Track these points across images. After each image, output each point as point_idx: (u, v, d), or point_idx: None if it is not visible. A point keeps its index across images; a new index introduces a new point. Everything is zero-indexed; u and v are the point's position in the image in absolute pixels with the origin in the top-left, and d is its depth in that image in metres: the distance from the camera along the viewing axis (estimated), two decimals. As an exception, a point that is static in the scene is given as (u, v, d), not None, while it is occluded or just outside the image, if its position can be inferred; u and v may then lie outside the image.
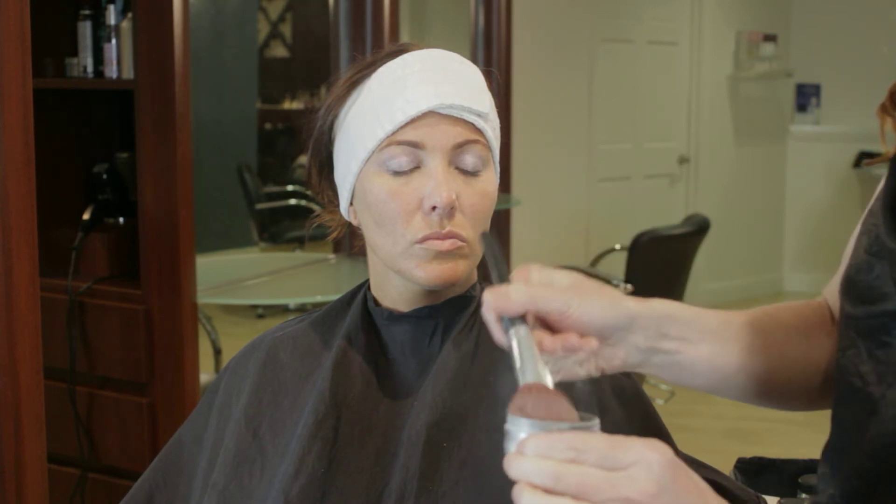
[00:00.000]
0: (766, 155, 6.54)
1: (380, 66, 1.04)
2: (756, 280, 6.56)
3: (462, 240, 1.00)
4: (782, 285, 6.72)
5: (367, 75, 1.05)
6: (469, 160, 1.01)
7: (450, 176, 1.00)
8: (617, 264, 3.97)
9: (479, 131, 1.02)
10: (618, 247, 4.22)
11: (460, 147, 1.01)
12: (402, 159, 1.00)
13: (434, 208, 0.98)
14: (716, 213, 5.17)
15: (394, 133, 1.00)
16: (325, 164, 1.10)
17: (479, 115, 1.02)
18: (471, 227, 1.01)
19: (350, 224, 1.11)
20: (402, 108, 1.00)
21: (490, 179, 1.04)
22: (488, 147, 1.04)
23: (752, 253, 6.52)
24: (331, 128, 1.08)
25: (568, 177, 5.24)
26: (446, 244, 0.99)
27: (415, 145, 1.00)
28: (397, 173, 1.00)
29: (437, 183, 0.98)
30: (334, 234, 1.16)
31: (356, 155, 1.03)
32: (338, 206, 1.11)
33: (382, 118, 1.00)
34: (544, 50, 4.86)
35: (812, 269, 6.66)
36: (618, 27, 5.61)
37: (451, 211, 0.99)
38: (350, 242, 3.18)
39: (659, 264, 3.63)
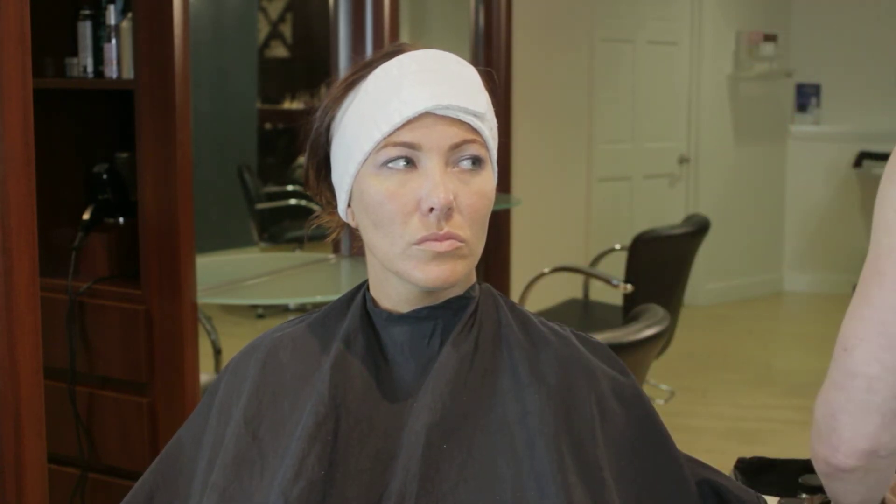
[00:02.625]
0: (766, 155, 6.54)
1: (376, 67, 1.04)
2: (756, 280, 6.56)
3: (460, 240, 1.00)
4: (782, 285, 6.73)
5: (364, 76, 1.05)
6: (466, 160, 1.01)
7: (447, 177, 1.00)
8: (617, 264, 3.97)
9: (475, 131, 1.02)
10: (618, 247, 4.22)
11: (457, 147, 1.00)
12: (398, 161, 1.00)
13: (431, 209, 0.98)
14: (716, 213, 5.17)
15: (390, 134, 1.00)
16: (323, 166, 1.10)
17: (475, 115, 1.01)
18: (469, 228, 1.01)
19: (349, 225, 1.11)
20: (399, 109, 0.99)
21: (488, 179, 1.04)
22: (485, 147, 1.03)
23: (752, 253, 6.52)
24: (328, 129, 1.08)
25: (568, 177, 5.24)
26: (444, 245, 0.99)
27: (411, 146, 1.00)
28: (394, 175, 1.00)
29: (434, 184, 0.98)
30: (333, 236, 1.16)
31: (353, 157, 1.03)
32: (336, 207, 1.11)
33: (379, 119, 1.00)
34: (544, 50, 4.86)
35: (812, 269, 6.66)
36: (618, 27, 5.61)
37: (448, 212, 0.99)
38: (350, 243, 3.18)
39: (659, 264, 3.62)
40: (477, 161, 1.02)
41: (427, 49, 1.06)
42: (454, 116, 1.00)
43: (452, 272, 1.00)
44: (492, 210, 1.07)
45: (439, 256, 0.99)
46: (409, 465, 0.98)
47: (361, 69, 1.06)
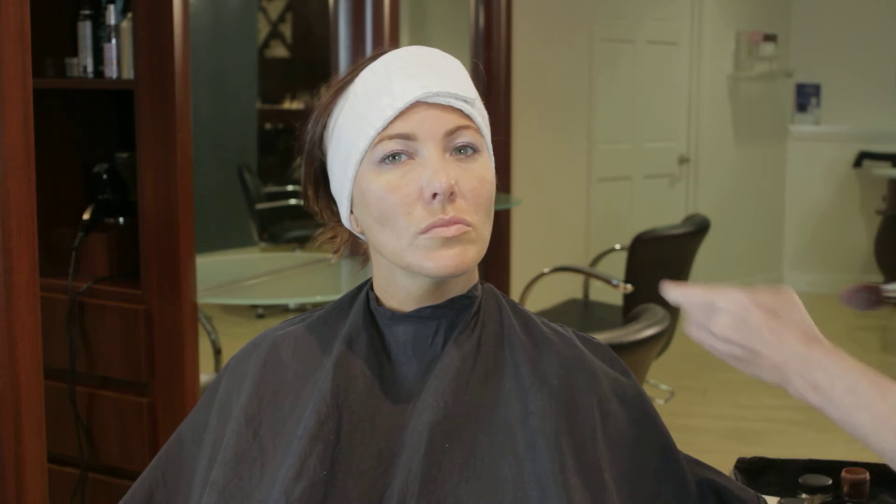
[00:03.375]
0: (766, 155, 6.54)
1: (362, 70, 1.05)
2: (756, 280, 6.56)
3: (467, 224, 0.99)
4: (782, 285, 6.72)
5: (350, 81, 1.05)
6: (463, 145, 1.01)
7: (446, 162, 1.00)
8: (617, 264, 3.97)
9: (468, 117, 1.02)
10: (618, 247, 4.22)
11: (452, 133, 1.01)
12: (395, 154, 1.00)
13: (434, 196, 0.98)
14: (716, 213, 5.17)
15: (384, 129, 1.00)
16: (320, 178, 1.10)
17: (465, 100, 1.02)
18: (474, 212, 1.00)
19: (354, 233, 1.11)
20: (390, 103, 1.00)
21: (486, 164, 1.04)
22: (479, 133, 1.03)
23: (752, 253, 6.52)
24: (321, 139, 1.08)
25: (568, 177, 5.24)
26: (452, 230, 0.98)
27: (407, 137, 1.00)
28: (393, 168, 1.00)
29: (434, 170, 0.98)
30: (339, 253, 1.16)
31: (351, 159, 1.03)
32: (338, 220, 1.11)
33: (371, 117, 1.00)
34: (544, 50, 4.86)
35: (812, 269, 6.66)
36: (618, 27, 5.61)
37: (451, 196, 0.98)
38: (351, 244, 3.18)
39: (659, 264, 3.62)
40: (473, 146, 1.02)
41: (409, 47, 1.06)
42: (445, 103, 1.00)
43: (463, 258, 0.99)
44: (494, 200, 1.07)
45: (448, 242, 0.99)
46: (411, 464, 0.97)
47: (347, 75, 1.07)
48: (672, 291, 1.02)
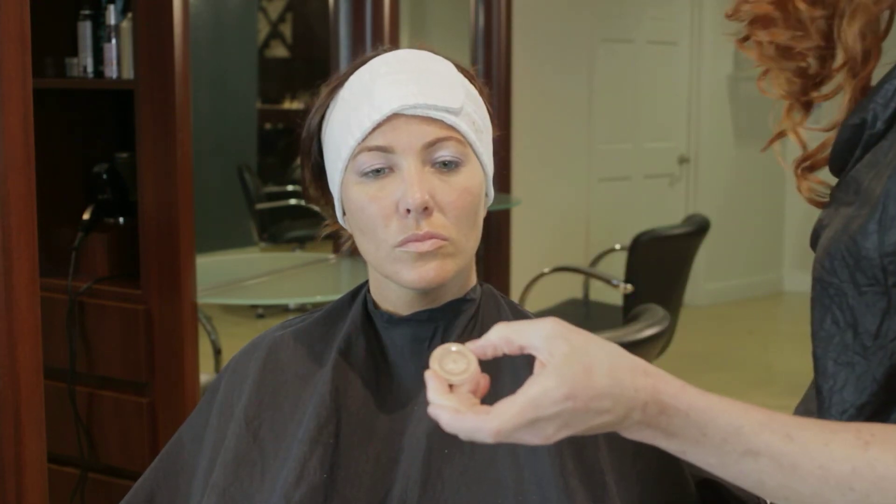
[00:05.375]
0: (766, 155, 6.51)
1: (352, 73, 1.04)
2: (756, 280, 6.56)
3: (443, 238, 0.99)
4: (782, 285, 6.72)
5: (342, 84, 1.05)
6: (443, 158, 1.00)
7: (424, 176, 0.99)
8: (617, 264, 3.97)
9: (450, 128, 1.00)
10: (618, 247, 4.22)
11: (431, 146, 0.99)
12: (375, 165, 1.00)
13: (409, 211, 0.97)
14: (716, 213, 5.17)
15: (363, 140, 0.99)
16: (318, 174, 1.10)
17: (447, 111, 1.00)
18: (453, 226, 1.00)
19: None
20: (369, 113, 0.99)
21: (471, 175, 1.02)
22: (464, 142, 1.02)
23: (752, 253, 6.52)
24: (319, 141, 1.08)
25: (568, 177, 5.24)
26: (426, 245, 0.98)
27: (385, 150, 0.99)
28: (374, 180, 1.00)
29: (408, 185, 0.97)
30: (349, 243, 1.16)
31: (337, 165, 1.03)
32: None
33: (353, 126, 1.00)
34: (544, 50, 4.86)
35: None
36: (618, 27, 5.61)
37: (426, 211, 0.98)
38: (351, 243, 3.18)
39: (659, 264, 3.62)
40: (455, 160, 1.00)
41: (399, 50, 1.05)
42: (424, 115, 0.99)
43: (438, 272, 0.99)
44: (487, 207, 1.06)
45: (423, 256, 0.98)
46: (411, 470, 0.97)
47: (342, 74, 1.06)
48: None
